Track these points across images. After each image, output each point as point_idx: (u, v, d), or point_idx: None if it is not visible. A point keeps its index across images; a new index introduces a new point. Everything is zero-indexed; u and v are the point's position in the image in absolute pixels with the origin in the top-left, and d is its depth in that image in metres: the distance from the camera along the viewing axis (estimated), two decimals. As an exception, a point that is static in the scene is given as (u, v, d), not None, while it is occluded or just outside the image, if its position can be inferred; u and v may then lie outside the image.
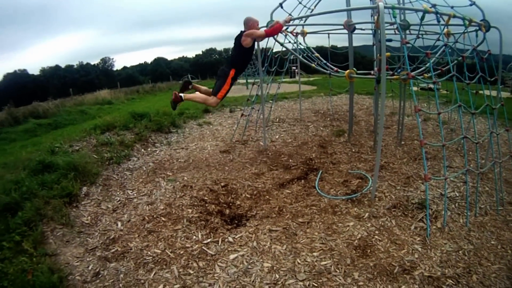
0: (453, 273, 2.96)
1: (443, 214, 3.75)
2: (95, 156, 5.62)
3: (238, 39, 4.89)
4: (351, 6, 6.03)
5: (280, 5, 6.11)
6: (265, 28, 5.08)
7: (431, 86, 7.38)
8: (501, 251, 3.32)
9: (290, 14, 5.99)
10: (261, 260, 3.16)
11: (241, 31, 4.91)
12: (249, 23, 4.91)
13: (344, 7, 5.94)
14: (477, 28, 4.86)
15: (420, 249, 3.26)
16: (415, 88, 10.06)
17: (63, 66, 60.74)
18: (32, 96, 27.82)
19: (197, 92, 5.39)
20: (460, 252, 3.25)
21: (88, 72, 60.80)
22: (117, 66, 74.03)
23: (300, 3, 6.34)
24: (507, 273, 3.01)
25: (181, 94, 5.05)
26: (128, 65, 76.42)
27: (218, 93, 4.94)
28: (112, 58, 71.34)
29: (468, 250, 3.29)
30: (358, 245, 3.32)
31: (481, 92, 4.61)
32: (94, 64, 66.90)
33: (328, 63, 6.79)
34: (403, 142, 6.56)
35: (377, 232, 3.54)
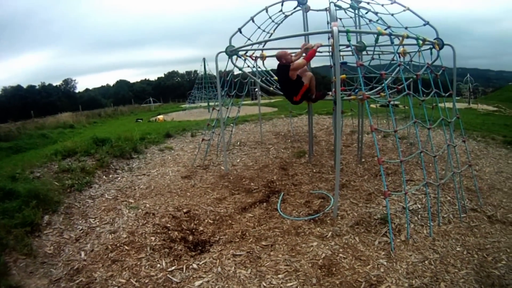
0: (420, 283, 3.04)
1: (406, 227, 3.85)
2: (56, 183, 5.45)
3: (283, 74, 5.24)
4: (308, 30, 6.24)
5: (239, 30, 6.19)
6: (303, 57, 5.24)
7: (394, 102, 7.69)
8: (467, 256, 3.46)
9: (248, 39, 6.14)
10: (226, 285, 3.15)
11: (281, 66, 5.23)
12: (287, 57, 5.22)
13: (301, 31, 6.14)
14: (431, 46, 5.10)
15: (385, 263, 3.33)
16: (373, 106, 10.39)
17: (25, 86, 59.25)
18: (-9, 116, 27.09)
19: None
20: (426, 262, 3.35)
21: (50, 93, 59.40)
22: (80, 87, 73.07)
23: (259, 27, 6.45)
24: (475, 277, 3.13)
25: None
26: (91, 87, 75.84)
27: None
28: (75, 80, 70.32)
29: (433, 259, 3.40)
30: (323, 264, 3.34)
31: (441, 104, 4.82)
32: (56, 85, 65.61)
33: None
34: (363, 160, 6.73)
35: (341, 250, 3.58)
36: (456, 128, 5.97)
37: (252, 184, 5.79)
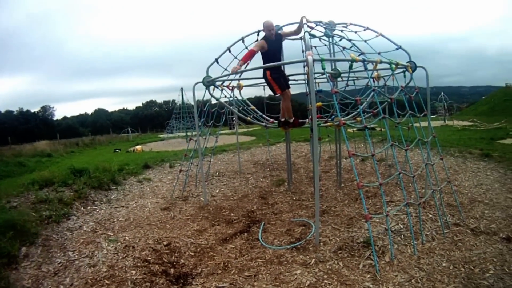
0: (408, 302, 3.02)
1: (390, 248, 3.87)
2: (34, 214, 5.32)
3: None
4: (284, 57, 6.37)
5: (216, 60, 6.29)
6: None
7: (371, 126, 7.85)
8: (454, 271, 3.49)
9: (225, 69, 6.22)
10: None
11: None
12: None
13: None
14: (405, 69, 5.27)
15: (371, 285, 3.32)
16: (350, 130, 10.57)
17: (2, 111, 58.51)
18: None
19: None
20: (412, 280, 3.35)
21: (27, 120, 58.87)
22: (58, 115, 72.62)
23: (235, 57, 6.52)
24: None
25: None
26: (69, 115, 75.75)
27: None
28: (53, 107, 70.22)
29: (420, 277, 3.40)
30: (308, 292, 3.29)
31: (417, 124, 4.94)
32: (34, 112, 65.15)
33: (264, 115, 7.00)
34: (343, 185, 6.80)
35: (325, 276, 3.55)
36: (433, 146, 6.11)
37: (232, 214, 5.76)
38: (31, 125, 56.22)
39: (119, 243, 4.69)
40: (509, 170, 7.30)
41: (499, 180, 6.65)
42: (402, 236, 4.31)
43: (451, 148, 9.81)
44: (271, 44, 5.45)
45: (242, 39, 6.46)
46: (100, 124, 63.02)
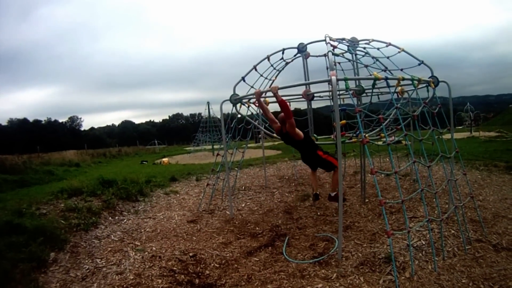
0: (427, 318, 3.02)
1: (411, 264, 3.86)
2: (62, 221, 5.52)
3: (289, 138, 5.28)
4: (308, 74, 6.56)
5: (243, 78, 6.44)
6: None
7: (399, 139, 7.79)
8: (473, 287, 3.46)
9: (252, 87, 6.36)
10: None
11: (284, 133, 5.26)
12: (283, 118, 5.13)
13: (302, 76, 6.44)
14: (427, 85, 5.30)
15: None
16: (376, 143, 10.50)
17: (31, 120, 60.32)
18: (-3, 145, 27.67)
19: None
20: None
21: (55, 129, 60.52)
22: (85, 125, 74.44)
23: (261, 75, 6.69)
24: None
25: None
26: (96, 126, 77.25)
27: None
28: (80, 118, 71.91)
29: None
30: (328, 305, 3.33)
31: (444, 137, 4.92)
32: (62, 122, 66.76)
33: None
34: (367, 200, 6.78)
35: (346, 290, 3.57)
36: (458, 160, 6.06)
37: (257, 228, 5.84)
38: (59, 135, 57.75)
39: (146, 252, 4.84)
40: (534, 183, 7.09)
41: (524, 194, 6.47)
42: (424, 252, 4.29)
43: (476, 162, 9.62)
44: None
45: (268, 57, 6.60)
46: (127, 136, 64.22)
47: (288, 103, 5.11)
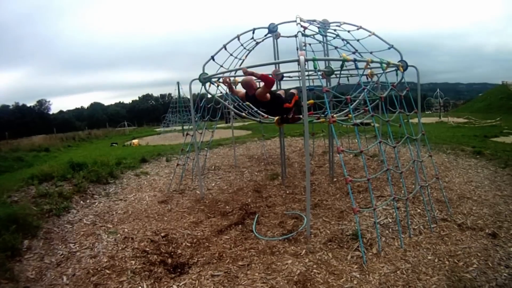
0: (393, 292, 3.18)
1: (377, 240, 4.05)
2: (34, 208, 5.45)
3: (257, 102, 5.31)
4: (279, 55, 6.56)
5: (212, 57, 6.40)
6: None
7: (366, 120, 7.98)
8: (439, 263, 3.66)
9: (221, 66, 6.34)
10: (206, 305, 3.21)
11: (251, 96, 5.28)
12: (249, 84, 5.18)
13: (272, 56, 6.45)
14: (396, 68, 5.41)
15: (358, 275, 3.48)
16: (345, 126, 10.70)
17: (-2, 105, 58.10)
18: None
19: None
20: (398, 272, 3.52)
21: (24, 114, 58.38)
22: (54, 109, 71.96)
23: (231, 54, 6.66)
24: (446, 282, 3.31)
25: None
26: (65, 109, 75.09)
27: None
28: (49, 101, 69.54)
29: (405, 268, 3.58)
30: (298, 280, 3.46)
31: (412, 121, 5.08)
32: (30, 106, 64.50)
33: (258, 111, 7.05)
34: (335, 179, 6.98)
35: (315, 266, 3.72)
36: (425, 143, 6.26)
37: (227, 207, 5.92)
38: (28, 120, 55.96)
39: (119, 235, 4.87)
40: (499, 168, 7.48)
41: (489, 177, 6.82)
42: (390, 229, 4.48)
43: (443, 145, 9.97)
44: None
45: (238, 36, 6.57)
46: (97, 118, 62.81)
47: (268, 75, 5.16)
